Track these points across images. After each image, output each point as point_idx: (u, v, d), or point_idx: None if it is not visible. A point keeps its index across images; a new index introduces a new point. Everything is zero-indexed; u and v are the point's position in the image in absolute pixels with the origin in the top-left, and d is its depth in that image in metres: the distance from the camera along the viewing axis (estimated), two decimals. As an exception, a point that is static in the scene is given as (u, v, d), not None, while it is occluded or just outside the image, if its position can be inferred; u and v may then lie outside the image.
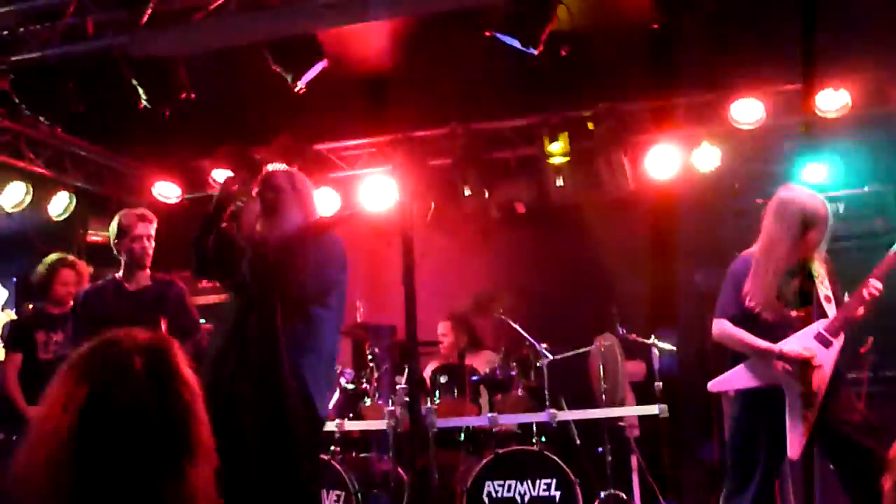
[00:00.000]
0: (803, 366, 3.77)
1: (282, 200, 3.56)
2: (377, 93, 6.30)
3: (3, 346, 5.92)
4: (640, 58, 5.81)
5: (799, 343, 3.82)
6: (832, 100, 5.83)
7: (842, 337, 3.84)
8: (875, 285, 3.82)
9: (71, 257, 5.57)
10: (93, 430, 1.36)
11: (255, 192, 3.63)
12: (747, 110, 6.02)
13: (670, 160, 6.33)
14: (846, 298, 3.91)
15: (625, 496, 5.42)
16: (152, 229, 4.55)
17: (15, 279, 7.44)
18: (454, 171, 6.62)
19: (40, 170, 6.53)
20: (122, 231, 4.48)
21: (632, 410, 5.62)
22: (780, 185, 4.13)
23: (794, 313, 3.89)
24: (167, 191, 7.07)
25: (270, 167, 3.82)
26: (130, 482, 1.34)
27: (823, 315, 3.86)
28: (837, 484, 3.95)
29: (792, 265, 3.89)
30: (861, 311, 3.86)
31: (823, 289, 3.88)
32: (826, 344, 3.82)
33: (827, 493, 5.00)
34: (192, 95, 5.11)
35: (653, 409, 5.26)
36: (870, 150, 5.98)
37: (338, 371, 5.74)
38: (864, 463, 3.72)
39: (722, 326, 3.99)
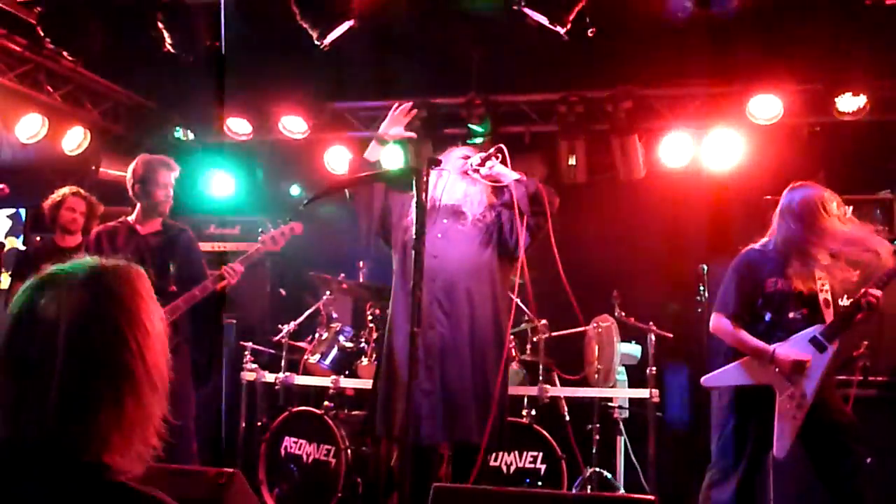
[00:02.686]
0: (795, 370, 3.82)
1: None
2: (397, 56, 6.30)
3: (10, 275, 5.99)
4: (662, 44, 5.80)
5: (794, 346, 3.87)
6: (850, 103, 5.83)
7: (836, 343, 3.89)
8: (873, 293, 3.86)
9: (83, 191, 5.63)
10: (21, 342, 1.36)
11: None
12: (765, 106, 6.03)
13: (683, 149, 6.35)
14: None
15: (609, 475, 5.52)
16: (174, 177, 4.60)
17: (25, 210, 7.50)
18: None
19: (57, 103, 6.55)
20: (147, 177, 4.53)
21: (623, 392, 5.69)
22: (791, 183, 4.15)
23: (791, 315, 3.94)
24: (182, 134, 7.10)
25: None
26: (61, 401, 1.32)
27: (822, 319, 3.90)
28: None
29: (794, 264, 3.93)
30: (858, 317, 3.91)
31: (823, 293, 3.92)
32: (821, 349, 3.87)
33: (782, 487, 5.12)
34: (217, 43, 5.12)
35: (643, 393, 5.33)
36: (881, 157, 6.01)
37: (338, 328, 5.82)
38: (847, 464, 3.79)
39: (721, 323, 4.03)
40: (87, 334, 1.36)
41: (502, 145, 4.17)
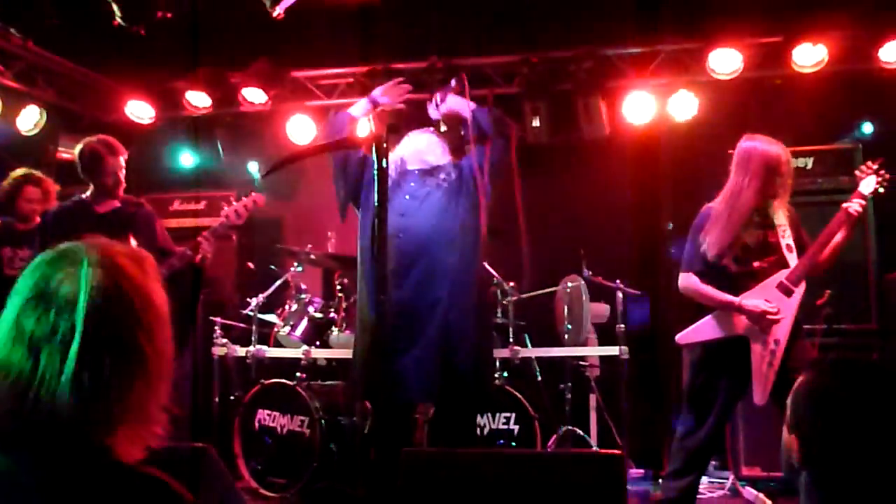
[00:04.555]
0: (763, 317, 3.87)
1: None
2: (357, 22, 6.23)
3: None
4: (623, 3, 5.80)
5: (761, 294, 3.92)
6: (809, 54, 5.85)
7: (803, 285, 3.94)
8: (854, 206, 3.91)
9: (37, 174, 5.50)
10: (37, 316, 1.34)
11: None
12: (725, 60, 6.03)
13: (647, 107, 6.35)
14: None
15: (582, 433, 5.59)
16: (122, 160, 4.53)
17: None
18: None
19: (10, 83, 6.41)
20: (92, 165, 4.46)
21: (593, 351, 5.74)
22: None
23: (756, 264, 3.98)
24: (140, 111, 6.98)
25: None
26: (76, 379, 1.31)
27: (785, 264, 3.95)
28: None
29: (753, 214, 3.97)
30: (824, 255, 3.97)
31: (785, 238, 3.96)
32: (787, 293, 3.92)
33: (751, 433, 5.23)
34: (169, 15, 5.02)
35: (613, 350, 5.38)
36: (840, 107, 6.05)
37: (307, 299, 5.81)
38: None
39: (687, 280, 4.08)
40: (106, 313, 1.34)
41: (463, 74, 4.20)
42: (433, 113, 4.28)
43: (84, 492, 1.29)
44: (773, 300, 3.90)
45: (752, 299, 3.90)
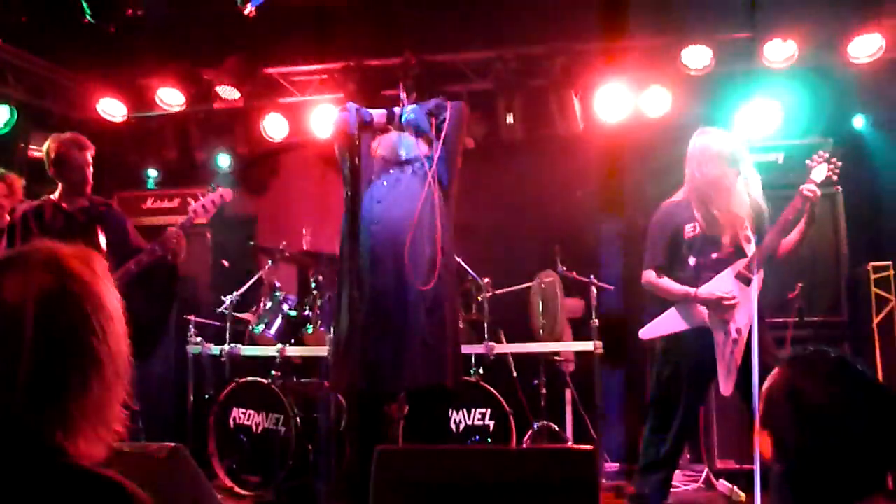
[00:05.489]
0: (719, 303, 3.92)
1: None
2: (330, 18, 6.21)
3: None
4: (595, -1, 5.83)
5: (718, 284, 3.98)
6: (779, 50, 5.90)
7: (761, 273, 3.99)
8: (809, 188, 3.94)
9: (1, 170, 5.44)
10: None
11: None
12: (697, 56, 6.07)
13: (620, 103, 6.37)
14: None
15: (557, 428, 5.62)
16: (90, 155, 4.48)
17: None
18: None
19: (-20, 81, 6.34)
20: (60, 161, 4.42)
21: (567, 346, 5.77)
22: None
23: (714, 255, 4.04)
24: (112, 108, 6.91)
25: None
26: (30, 385, 1.30)
27: (744, 254, 4.00)
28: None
29: (710, 209, 4.01)
30: (785, 243, 4.01)
31: (743, 230, 4.01)
32: (746, 282, 3.97)
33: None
34: (140, 12, 4.99)
35: (588, 346, 5.40)
36: (810, 103, 6.11)
37: (281, 297, 5.79)
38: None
39: (648, 276, 4.17)
40: (55, 317, 1.34)
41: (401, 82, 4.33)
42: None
43: (37, 494, 1.29)
44: (732, 289, 3.95)
45: (707, 289, 3.95)
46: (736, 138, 4.09)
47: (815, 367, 1.67)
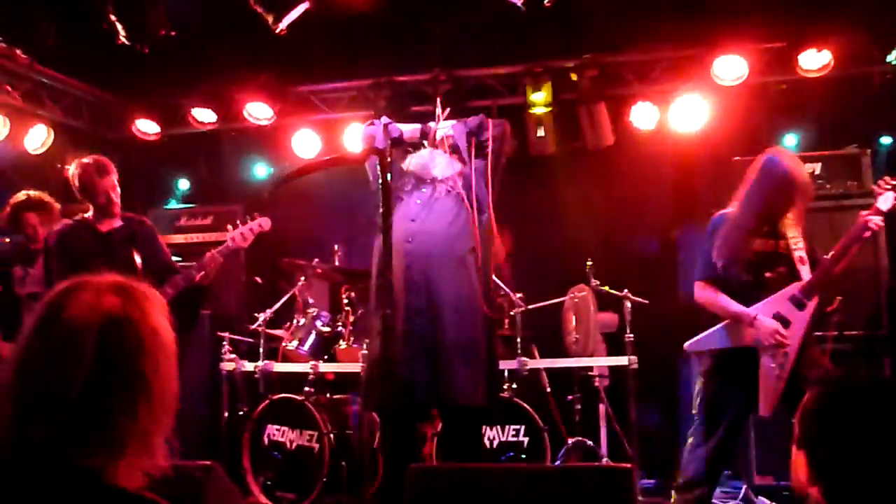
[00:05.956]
0: (772, 337, 3.85)
1: None
2: (360, 35, 6.24)
3: (-20, 280, 5.90)
4: (625, 10, 5.78)
5: (773, 305, 3.90)
6: (814, 59, 5.83)
7: (816, 299, 3.91)
8: (874, 220, 3.87)
9: (35, 196, 5.47)
10: (48, 343, 1.36)
11: None
12: (730, 67, 6.01)
13: (651, 115, 6.33)
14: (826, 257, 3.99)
15: (592, 444, 5.55)
16: (114, 178, 4.54)
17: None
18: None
19: (17, 103, 6.44)
20: (84, 187, 4.49)
21: (601, 361, 5.71)
22: (759, 143, 4.17)
23: (767, 274, 3.96)
24: (146, 127, 7.00)
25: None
26: (84, 406, 1.33)
27: (797, 276, 3.93)
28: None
29: (763, 224, 3.95)
30: (839, 268, 3.93)
31: (798, 250, 3.94)
32: (800, 306, 3.89)
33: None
34: (172, 33, 5.04)
35: (622, 361, 5.35)
36: (847, 112, 6.02)
37: (314, 313, 5.80)
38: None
39: (700, 289, 4.07)
40: (115, 343, 1.37)
41: (438, 98, 4.29)
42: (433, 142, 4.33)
43: None
44: (785, 312, 3.88)
45: (768, 320, 3.87)
46: (801, 163, 4.01)
47: (847, 386, 1.64)
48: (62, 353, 1.34)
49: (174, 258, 5.74)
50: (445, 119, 4.30)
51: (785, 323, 3.90)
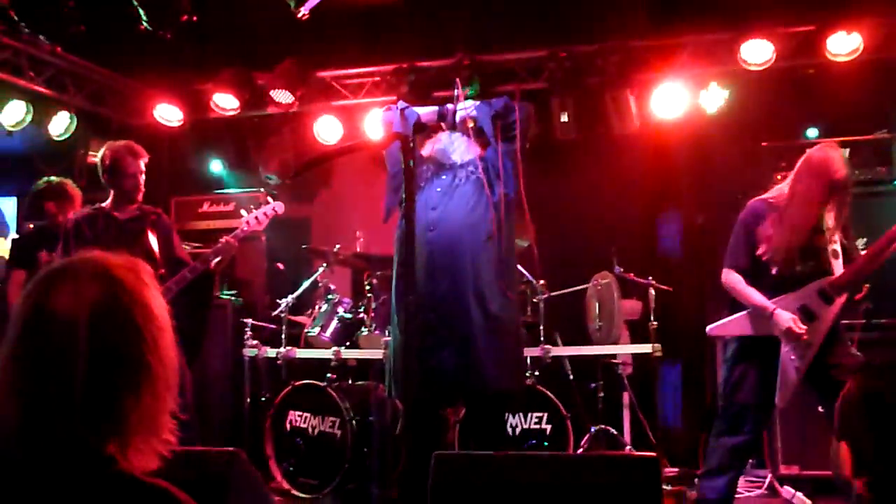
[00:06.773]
0: (790, 332, 3.80)
1: None
2: (382, 21, 6.21)
3: (6, 264, 5.96)
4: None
5: (800, 298, 3.86)
6: (843, 43, 5.72)
7: (844, 296, 3.85)
8: None
9: (55, 183, 5.54)
10: (39, 334, 1.34)
11: None
12: (757, 51, 5.91)
13: (676, 100, 6.25)
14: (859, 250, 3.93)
15: (615, 431, 5.52)
16: (143, 164, 4.58)
17: (17, 198, 7.46)
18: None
19: (41, 88, 6.47)
20: (114, 168, 4.52)
21: (625, 348, 5.67)
22: (787, 128, 4.11)
23: (798, 268, 3.90)
24: (168, 114, 7.00)
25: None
26: (87, 395, 1.32)
27: (829, 270, 3.87)
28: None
29: (812, 224, 3.88)
30: (872, 267, 3.87)
31: (833, 244, 3.88)
32: (828, 300, 3.83)
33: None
34: (195, 18, 5.03)
35: (646, 348, 5.31)
36: (877, 97, 5.91)
37: (336, 299, 5.80)
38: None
39: (729, 276, 4.02)
40: (107, 329, 1.35)
41: (457, 79, 4.26)
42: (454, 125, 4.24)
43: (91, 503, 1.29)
44: (812, 305, 3.83)
45: (786, 314, 3.82)
46: (846, 162, 3.96)
47: (886, 374, 1.60)
48: (57, 351, 1.32)
49: (195, 245, 5.78)
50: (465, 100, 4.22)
51: (811, 316, 3.85)
